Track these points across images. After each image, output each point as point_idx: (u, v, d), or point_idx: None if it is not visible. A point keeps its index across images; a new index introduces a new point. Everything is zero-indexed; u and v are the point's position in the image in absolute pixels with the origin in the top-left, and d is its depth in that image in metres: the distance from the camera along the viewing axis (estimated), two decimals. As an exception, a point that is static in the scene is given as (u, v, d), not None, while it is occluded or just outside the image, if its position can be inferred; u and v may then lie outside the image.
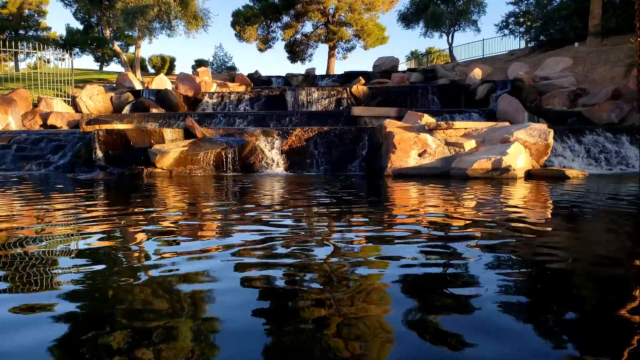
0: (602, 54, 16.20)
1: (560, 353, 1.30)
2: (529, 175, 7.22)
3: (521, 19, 24.49)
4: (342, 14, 30.15)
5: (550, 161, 8.28)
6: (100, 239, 2.75)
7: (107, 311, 1.59)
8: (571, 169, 7.68)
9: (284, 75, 22.34)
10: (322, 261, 2.25)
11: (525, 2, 24.54)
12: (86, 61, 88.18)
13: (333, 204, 4.37)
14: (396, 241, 2.71)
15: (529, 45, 23.01)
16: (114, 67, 44.87)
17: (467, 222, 3.37)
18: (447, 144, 8.00)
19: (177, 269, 2.09)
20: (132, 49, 34.22)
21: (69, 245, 2.61)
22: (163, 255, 2.36)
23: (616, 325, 1.49)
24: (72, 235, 2.86)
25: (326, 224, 3.33)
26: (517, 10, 24.69)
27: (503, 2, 37.92)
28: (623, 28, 16.61)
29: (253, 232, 2.90)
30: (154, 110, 14.21)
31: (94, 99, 15.53)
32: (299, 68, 43.19)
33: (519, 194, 5.29)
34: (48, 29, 40.34)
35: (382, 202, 4.94)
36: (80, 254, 2.38)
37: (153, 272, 2.03)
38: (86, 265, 2.14)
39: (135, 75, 20.61)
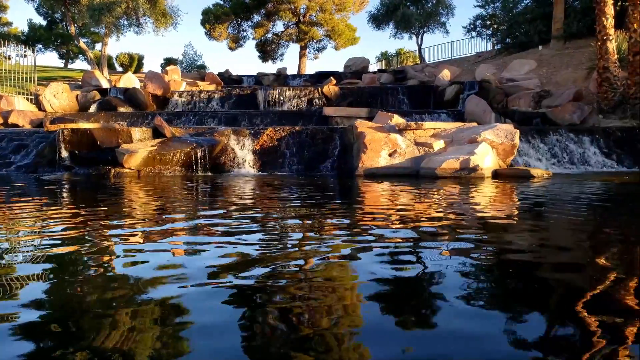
0: (564, 57, 16.73)
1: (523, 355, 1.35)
2: (496, 175, 7.40)
3: (488, 22, 25.07)
4: (313, 14, 30.18)
5: (516, 161, 8.51)
6: (56, 247, 2.68)
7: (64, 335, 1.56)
8: (536, 168, 7.90)
9: (255, 74, 22.22)
10: (294, 271, 2.26)
11: (492, 5, 25.13)
12: (50, 58, 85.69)
13: (304, 205, 4.38)
14: (364, 243, 2.73)
15: (496, 47, 23.56)
16: (80, 64, 43.71)
17: (436, 221, 3.43)
18: (417, 144, 8.12)
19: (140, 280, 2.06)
20: (98, 46, 33.34)
21: (27, 250, 2.53)
22: (124, 275, 2.32)
23: (575, 324, 1.54)
24: (32, 240, 2.78)
25: (298, 228, 3.33)
26: (484, 13, 25.27)
27: (471, 5, 38.82)
28: (584, 32, 17.20)
29: (221, 244, 2.66)
30: (122, 109, 13.91)
31: (58, 97, 15.08)
32: (270, 67, 43.09)
33: (486, 193, 5.42)
34: (9, 24, 38.87)
35: (353, 203, 4.97)
36: (38, 260, 2.32)
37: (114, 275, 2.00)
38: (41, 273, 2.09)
39: (102, 74, 20.11)
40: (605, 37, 11.49)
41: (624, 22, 12.15)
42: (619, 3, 14.20)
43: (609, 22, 11.45)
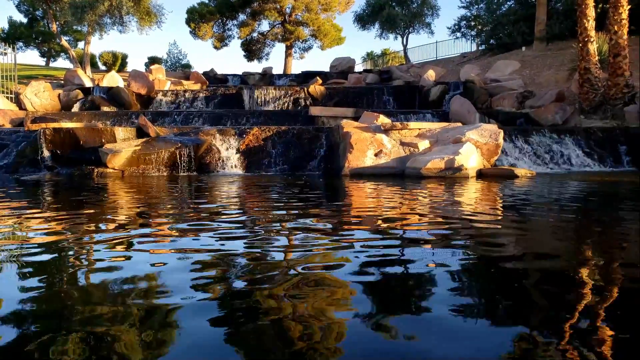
0: (547, 58, 16.97)
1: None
2: (480, 175, 7.48)
3: (472, 23, 25.32)
4: (299, 14, 30.16)
5: (500, 160, 8.60)
6: (32, 255, 2.64)
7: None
8: (520, 168, 8.00)
9: (240, 73, 22.10)
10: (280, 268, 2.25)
11: (476, 6, 25.39)
12: (31, 56, 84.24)
13: (290, 207, 4.38)
14: (351, 250, 2.74)
15: (480, 48, 23.80)
16: (62, 63, 43.07)
17: (421, 221, 3.45)
18: (402, 144, 8.16)
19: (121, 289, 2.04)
20: (81, 44, 32.88)
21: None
22: (106, 279, 2.29)
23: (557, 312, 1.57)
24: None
25: (283, 233, 3.33)
26: (468, 14, 25.51)
27: (455, 6, 39.20)
28: (566, 34, 17.48)
29: (205, 251, 2.61)
30: (105, 109, 13.73)
31: (40, 96, 14.82)
32: (255, 67, 42.92)
33: (470, 192, 5.47)
34: (-12, 21, 38.13)
35: (340, 205, 4.98)
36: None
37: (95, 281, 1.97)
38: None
39: (85, 72, 19.83)
40: (586, 39, 11.68)
41: (604, 24, 12.38)
42: (600, 5, 14.45)
43: (590, 24, 11.65)
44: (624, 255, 2.51)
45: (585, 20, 11.65)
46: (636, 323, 1.53)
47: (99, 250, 2.47)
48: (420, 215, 3.71)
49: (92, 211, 3.96)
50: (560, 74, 14.51)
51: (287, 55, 31.80)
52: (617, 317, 1.57)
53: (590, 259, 2.40)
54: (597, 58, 11.86)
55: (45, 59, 38.69)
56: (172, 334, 1.42)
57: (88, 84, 16.76)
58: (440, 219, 3.50)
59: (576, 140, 9.47)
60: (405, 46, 29.39)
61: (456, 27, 25.74)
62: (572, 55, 13.57)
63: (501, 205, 4.53)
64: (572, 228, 3.36)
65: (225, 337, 1.39)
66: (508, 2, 23.50)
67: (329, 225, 3.25)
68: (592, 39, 11.68)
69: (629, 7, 11.43)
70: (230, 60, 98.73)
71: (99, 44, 72.78)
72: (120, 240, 2.71)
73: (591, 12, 11.68)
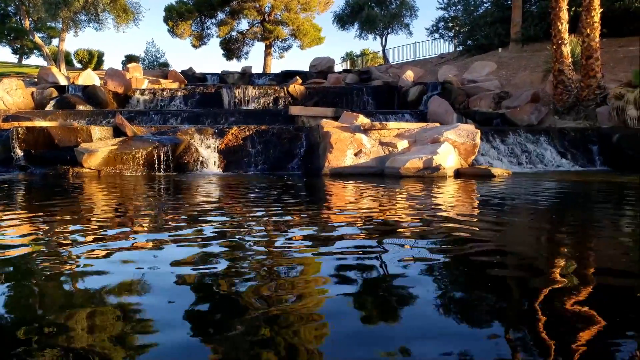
0: (522, 59, 17.29)
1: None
2: (458, 174, 7.58)
3: (450, 24, 25.62)
4: (279, 13, 30.07)
5: (477, 160, 8.73)
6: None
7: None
8: (496, 167, 8.14)
9: (219, 72, 21.92)
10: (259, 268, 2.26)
11: (454, 8, 25.70)
12: (2, 53, 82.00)
13: (270, 207, 4.37)
14: (331, 254, 2.76)
15: (458, 49, 24.10)
16: (35, 60, 41.91)
17: (400, 220, 3.49)
18: (382, 144, 8.22)
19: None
20: (55, 41, 32.14)
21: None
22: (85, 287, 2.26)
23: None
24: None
25: (262, 236, 3.33)
26: (446, 15, 25.80)
27: (433, 7, 39.62)
28: (541, 36, 17.84)
29: (182, 264, 2.31)
30: (81, 107, 13.46)
31: (12, 94, 14.45)
32: (235, 66, 42.65)
33: (448, 192, 5.55)
34: (-43, 17, 36.99)
35: (320, 206, 5.00)
36: None
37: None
38: None
39: (60, 70, 19.41)
40: (560, 41, 11.93)
41: (577, 27, 12.67)
42: (573, 9, 14.79)
43: (564, 27, 11.90)
44: (594, 251, 2.59)
45: (559, 23, 11.90)
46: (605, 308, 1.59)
47: (67, 257, 2.43)
48: (398, 214, 3.75)
49: (66, 213, 3.89)
50: (535, 75, 14.80)
51: (267, 54, 31.67)
52: (584, 306, 1.62)
53: (561, 255, 2.46)
54: (570, 60, 12.13)
55: (17, 56, 37.70)
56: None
57: (63, 82, 16.40)
58: (417, 219, 3.54)
59: (550, 140, 9.67)
60: (384, 47, 29.58)
61: (434, 28, 26.02)
62: (547, 57, 13.85)
63: (478, 204, 4.61)
64: (544, 226, 3.44)
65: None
66: (485, 4, 23.89)
67: (310, 230, 3.26)
68: (565, 42, 11.94)
69: (600, 10, 11.73)
70: (209, 59, 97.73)
71: (74, 42, 71.21)
72: (92, 248, 2.68)
73: (565, 15, 11.94)
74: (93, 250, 2.45)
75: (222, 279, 1.98)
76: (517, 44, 19.01)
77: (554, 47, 12.14)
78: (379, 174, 7.66)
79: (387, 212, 3.87)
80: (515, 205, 4.41)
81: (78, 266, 2.18)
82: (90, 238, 2.76)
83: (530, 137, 9.62)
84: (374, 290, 1.86)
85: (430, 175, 7.26)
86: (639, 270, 2.26)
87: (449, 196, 5.15)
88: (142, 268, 2.12)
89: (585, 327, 1.48)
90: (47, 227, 3.10)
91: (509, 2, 20.34)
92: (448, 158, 7.53)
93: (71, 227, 3.11)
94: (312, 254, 2.41)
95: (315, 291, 1.83)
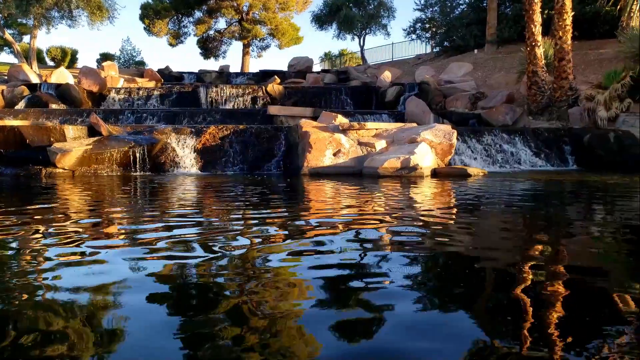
0: (497, 61, 17.60)
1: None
2: (435, 174, 7.68)
3: (427, 25, 25.90)
4: (256, 12, 29.96)
5: (454, 160, 8.85)
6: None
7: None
8: (473, 167, 8.27)
9: (196, 71, 21.71)
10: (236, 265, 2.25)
11: (431, 9, 25.99)
12: (-29, 50, 79.26)
13: (248, 208, 4.36)
14: (310, 256, 2.76)
15: (434, 50, 24.38)
16: (5, 57, 40.88)
17: (378, 219, 3.52)
18: (360, 144, 8.26)
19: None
20: (26, 38, 31.31)
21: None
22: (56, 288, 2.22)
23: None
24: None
25: (240, 239, 3.31)
26: (423, 16, 26.06)
27: (411, 8, 40.02)
28: (515, 38, 18.19)
29: (159, 272, 2.18)
30: (54, 106, 13.15)
31: (-19, 92, 14.02)
32: (212, 65, 42.30)
33: (425, 191, 5.61)
34: None
35: (300, 206, 5.00)
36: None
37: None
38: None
39: (31, 68, 18.95)
40: (533, 44, 12.19)
41: (550, 30, 12.95)
42: (546, 12, 15.11)
43: (537, 29, 12.16)
44: (565, 247, 2.66)
45: (532, 26, 12.15)
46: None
47: (35, 267, 2.38)
48: (375, 213, 3.78)
49: (36, 216, 3.80)
50: (510, 76, 15.08)
51: (245, 53, 31.51)
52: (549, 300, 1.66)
53: (533, 251, 2.52)
54: (543, 62, 12.39)
55: (-13, 53, 36.60)
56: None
57: (34, 80, 16.00)
58: (394, 218, 3.57)
59: (525, 140, 9.87)
60: (362, 47, 29.74)
61: (411, 29, 26.26)
62: (522, 59, 14.12)
63: (454, 203, 4.67)
64: (518, 223, 3.51)
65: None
66: (461, 6, 24.22)
67: (287, 232, 3.26)
68: (539, 44, 12.20)
69: (572, 13, 12.02)
70: (186, 58, 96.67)
71: (46, 39, 69.81)
72: (62, 260, 2.62)
73: (538, 18, 12.19)
74: (62, 260, 2.40)
75: (199, 278, 1.96)
76: (493, 45, 19.35)
77: (528, 49, 12.40)
78: (357, 174, 7.70)
79: (366, 211, 3.90)
80: (490, 204, 4.50)
81: (45, 279, 2.05)
82: (61, 244, 2.71)
83: (506, 137, 9.80)
84: (350, 292, 1.88)
85: (407, 175, 7.33)
86: (607, 265, 2.33)
87: (427, 195, 5.21)
88: (114, 281, 2.09)
89: (554, 313, 1.52)
90: (15, 230, 3.03)
91: (485, 5, 20.69)
92: (425, 158, 7.62)
93: (42, 229, 3.05)
94: (288, 255, 2.41)
95: (293, 296, 1.83)
